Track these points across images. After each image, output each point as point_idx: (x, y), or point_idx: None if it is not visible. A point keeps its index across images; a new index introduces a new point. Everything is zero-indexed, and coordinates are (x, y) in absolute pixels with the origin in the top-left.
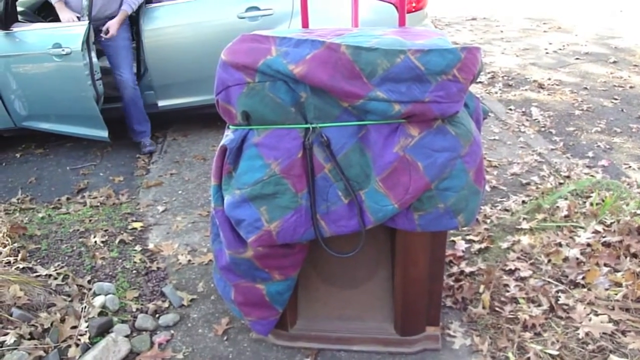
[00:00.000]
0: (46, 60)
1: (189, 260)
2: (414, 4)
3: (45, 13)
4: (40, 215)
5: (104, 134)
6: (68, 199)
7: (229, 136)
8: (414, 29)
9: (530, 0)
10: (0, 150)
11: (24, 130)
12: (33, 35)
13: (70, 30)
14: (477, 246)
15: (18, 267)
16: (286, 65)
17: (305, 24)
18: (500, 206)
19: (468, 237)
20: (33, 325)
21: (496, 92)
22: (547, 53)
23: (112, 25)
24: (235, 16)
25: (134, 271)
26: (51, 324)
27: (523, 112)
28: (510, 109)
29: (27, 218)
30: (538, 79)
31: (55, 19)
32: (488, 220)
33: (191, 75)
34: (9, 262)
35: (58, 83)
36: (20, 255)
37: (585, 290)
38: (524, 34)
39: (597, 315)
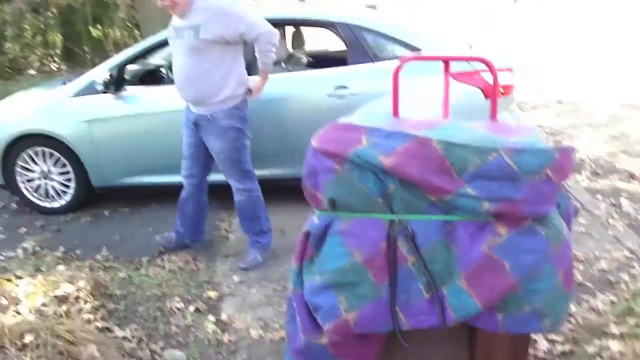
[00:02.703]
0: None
1: (261, 336)
2: (501, 90)
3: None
4: (121, 275)
5: None
6: (149, 260)
7: (313, 221)
8: (505, 124)
9: (621, 84)
10: (92, 206)
11: (113, 188)
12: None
13: None
14: (560, 348)
15: (97, 326)
16: (376, 156)
17: (395, 113)
18: (586, 305)
19: (550, 337)
20: None
21: (583, 181)
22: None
23: (257, 86)
24: (324, 94)
25: (206, 341)
26: None
27: (612, 203)
28: (598, 199)
29: (109, 277)
30: (629, 169)
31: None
32: (572, 320)
33: (277, 148)
34: (88, 320)
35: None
36: (99, 314)
37: None
38: (614, 119)
39: None
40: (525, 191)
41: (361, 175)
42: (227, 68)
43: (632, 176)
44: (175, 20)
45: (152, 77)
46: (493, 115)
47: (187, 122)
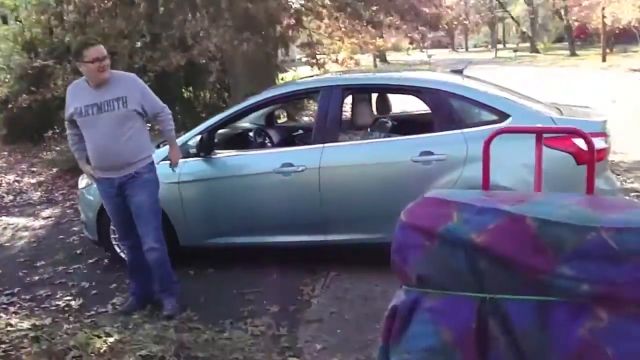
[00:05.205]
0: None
1: None
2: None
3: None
4: (204, 337)
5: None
6: (231, 323)
7: (400, 297)
8: (604, 199)
9: None
10: (178, 266)
11: (199, 248)
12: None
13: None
14: None
15: None
16: (467, 233)
17: (486, 186)
18: None
19: None
20: None
21: None
22: None
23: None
24: (409, 159)
25: None
26: None
27: None
28: None
29: (192, 338)
30: None
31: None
32: None
33: (361, 212)
34: None
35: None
36: None
37: None
38: None
39: None
40: (629, 273)
41: (451, 252)
42: None
43: None
44: None
45: (239, 140)
46: (590, 188)
47: None
